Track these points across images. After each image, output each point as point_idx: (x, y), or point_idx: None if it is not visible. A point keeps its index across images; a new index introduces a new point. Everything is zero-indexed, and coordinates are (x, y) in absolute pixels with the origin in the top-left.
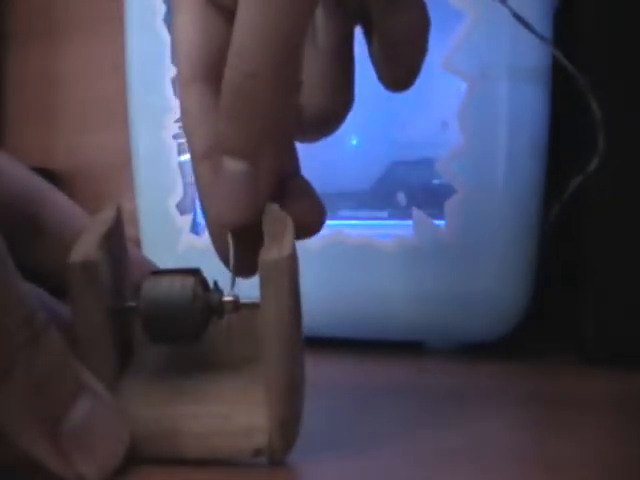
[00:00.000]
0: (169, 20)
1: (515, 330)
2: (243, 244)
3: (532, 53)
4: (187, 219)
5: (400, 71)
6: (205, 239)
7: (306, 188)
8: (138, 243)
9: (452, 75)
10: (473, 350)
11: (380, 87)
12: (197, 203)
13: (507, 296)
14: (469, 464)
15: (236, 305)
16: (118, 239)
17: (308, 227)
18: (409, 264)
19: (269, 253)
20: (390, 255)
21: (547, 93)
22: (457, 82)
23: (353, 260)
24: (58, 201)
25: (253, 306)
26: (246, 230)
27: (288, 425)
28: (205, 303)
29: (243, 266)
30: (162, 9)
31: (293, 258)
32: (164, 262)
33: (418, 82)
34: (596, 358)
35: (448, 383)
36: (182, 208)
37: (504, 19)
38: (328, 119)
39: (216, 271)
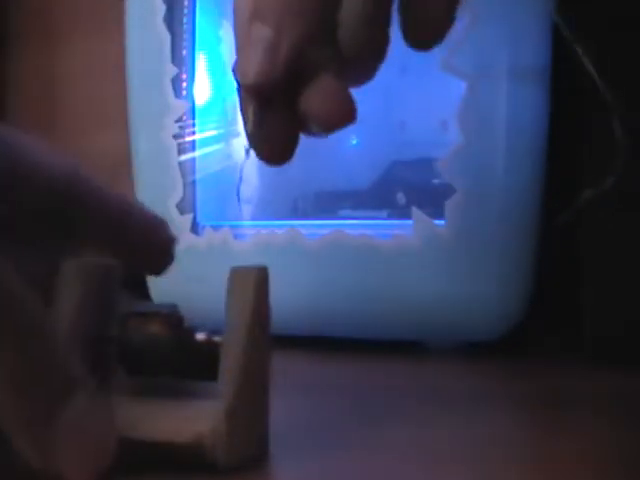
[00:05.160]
0: (169, 20)
1: (515, 330)
2: (267, 117)
3: (532, 53)
4: (187, 219)
5: (423, 27)
6: (205, 239)
7: (335, 81)
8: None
9: (452, 75)
10: (473, 350)
11: (379, 87)
12: (197, 203)
13: (507, 296)
14: (469, 464)
15: (210, 342)
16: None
17: (323, 120)
18: (409, 264)
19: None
20: (390, 255)
21: (547, 93)
22: (457, 82)
23: (353, 260)
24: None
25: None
26: (268, 100)
27: (238, 414)
28: (181, 343)
29: (261, 136)
30: (162, 9)
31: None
32: None
33: (418, 82)
34: (596, 357)
35: (448, 383)
36: (182, 208)
37: (504, 19)
38: (365, 58)
39: (215, 270)
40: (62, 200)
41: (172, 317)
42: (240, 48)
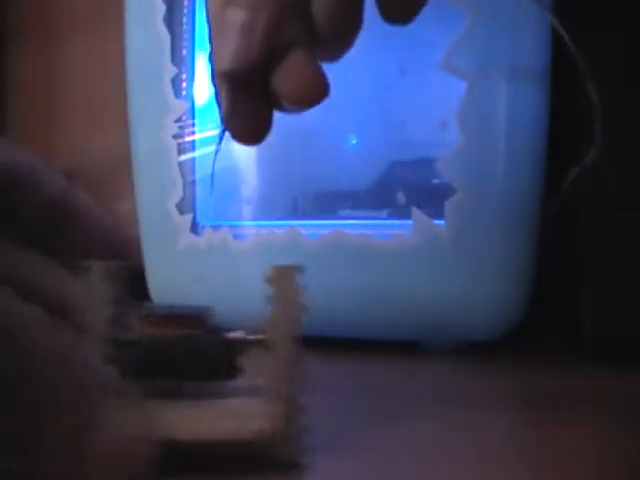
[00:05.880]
0: (169, 20)
1: (515, 330)
2: (240, 98)
3: (532, 53)
4: (187, 219)
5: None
6: (205, 239)
7: (301, 55)
8: (138, 243)
9: (452, 75)
10: (473, 350)
11: (379, 87)
12: (197, 203)
13: (507, 296)
14: (469, 464)
15: (243, 342)
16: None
17: (294, 97)
18: (409, 264)
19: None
20: (390, 255)
21: (546, 93)
22: (457, 82)
23: (353, 260)
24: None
25: (259, 343)
26: (242, 83)
27: (293, 411)
28: (212, 344)
29: (235, 117)
30: (162, 9)
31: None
32: (164, 262)
33: (418, 82)
34: (596, 357)
35: (448, 383)
36: (182, 208)
37: (504, 19)
38: (340, 32)
39: (215, 270)
40: (59, 214)
41: (202, 318)
42: (214, 35)
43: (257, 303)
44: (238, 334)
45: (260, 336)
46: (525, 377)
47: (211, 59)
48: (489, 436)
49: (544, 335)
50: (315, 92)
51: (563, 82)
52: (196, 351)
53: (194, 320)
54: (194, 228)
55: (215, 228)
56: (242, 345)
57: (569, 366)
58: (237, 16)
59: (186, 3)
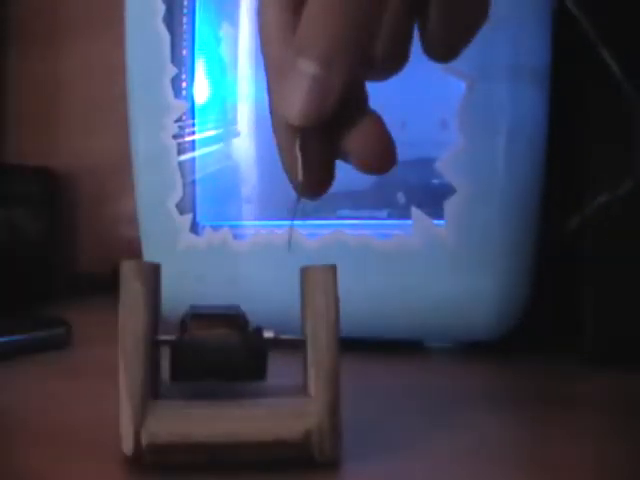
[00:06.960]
0: (169, 20)
1: (515, 330)
2: (311, 158)
3: (532, 53)
4: (187, 219)
5: (442, 45)
6: (205, 239)
7: (376, 124)
8: (138, 243)
9: (452, 75)
10: (473, 350)
11: (379, 87)
12: (197, 203)
13: (507, 296)
14: (469, 463)
15: (277, 341)
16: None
17: (370, 164)
18: (408, 264)
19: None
20: (390, 255)
21: (546, 93)
22: (457, 82)
23: (353, 260)
24: None
25: (292, 342)
26: (313, 139)
27: (335, 409)
28: (247, 343)
29: (309, 182)
30: (162, 9)
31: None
32: (164, 262)
33: (418, 82)
34: (596, 358)
35: (448, 383)
36: (182, 208)
37: (504, 19)
38: (389, 69)
39: (215, 270)
40: None
41: (239, 318)
42: (275, 79)
43: (257, 303)
44: (269, 333)
45: (294, 336)
46: (525, 377)
47: (270, 102)
48: (489, 436)
49: (544, 335)
50: (388, 162)
51: (563, 84)
52: (233, 351)
53: (229, 320)
54: (194, 228)
55: (215, 228)
56: (276, 344)
57: (569, 366)
58: (309, 68)
59: (186, 3)
